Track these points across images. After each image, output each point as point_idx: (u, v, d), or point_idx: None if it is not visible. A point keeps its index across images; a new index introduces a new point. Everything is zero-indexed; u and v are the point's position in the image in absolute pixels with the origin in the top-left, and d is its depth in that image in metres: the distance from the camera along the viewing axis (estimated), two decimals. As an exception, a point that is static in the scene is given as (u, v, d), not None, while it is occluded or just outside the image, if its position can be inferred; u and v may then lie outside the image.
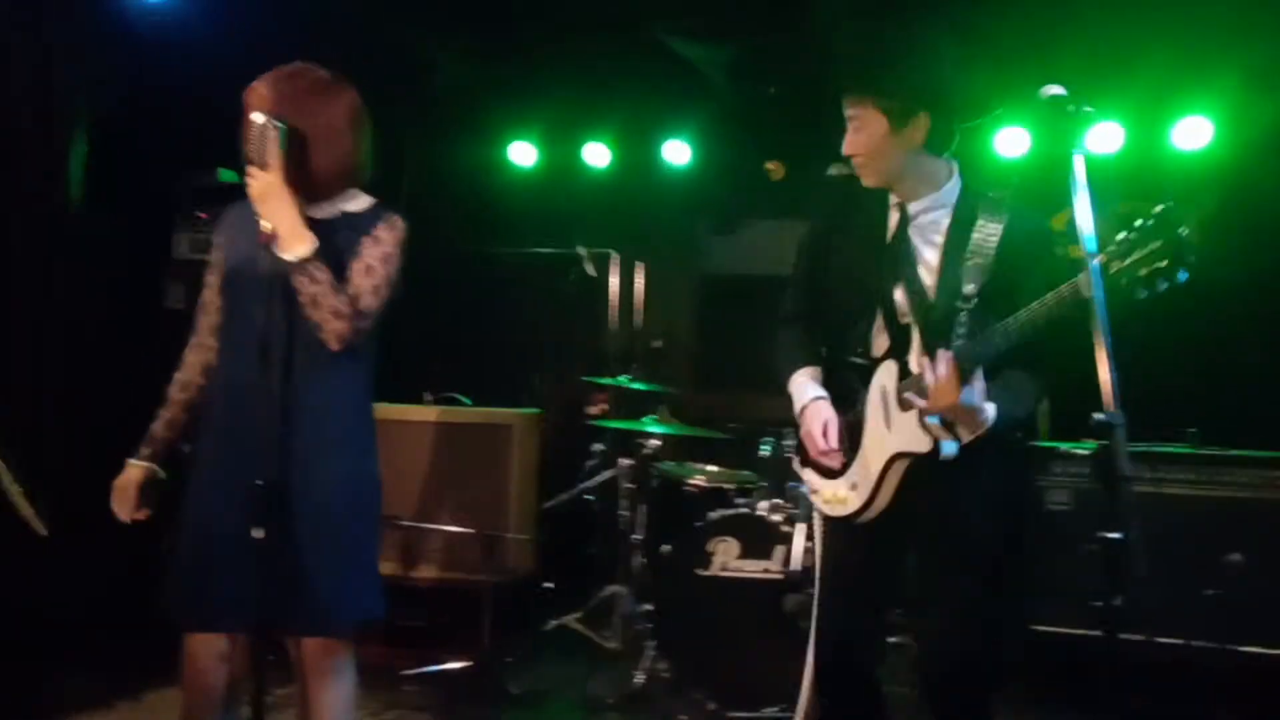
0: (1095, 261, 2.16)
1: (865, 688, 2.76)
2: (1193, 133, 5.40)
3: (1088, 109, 2.30)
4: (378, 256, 2.54)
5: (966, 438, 2.46)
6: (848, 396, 2.71)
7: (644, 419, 4.75)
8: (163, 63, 4.49)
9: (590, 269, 5.64)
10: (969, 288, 2.46)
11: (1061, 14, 5.02)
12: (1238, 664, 3.95)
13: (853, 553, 2.72)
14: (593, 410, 6.20)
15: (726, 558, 4.12)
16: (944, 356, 2.36)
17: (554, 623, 4.83)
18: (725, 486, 4.64)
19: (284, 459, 2.44)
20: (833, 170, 5.58)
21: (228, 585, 2.43)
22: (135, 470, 2.64)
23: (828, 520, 2.82)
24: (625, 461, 4.81)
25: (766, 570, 4.08)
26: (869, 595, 2.72)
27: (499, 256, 6.48)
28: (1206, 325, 4.88)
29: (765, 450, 4.50)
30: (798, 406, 2.75)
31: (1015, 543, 2.68)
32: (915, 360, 2.54)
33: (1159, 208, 2.13)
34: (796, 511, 4.07)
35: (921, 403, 2.41)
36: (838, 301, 2.75)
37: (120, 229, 4.59)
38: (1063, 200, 2.26)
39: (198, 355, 2.70)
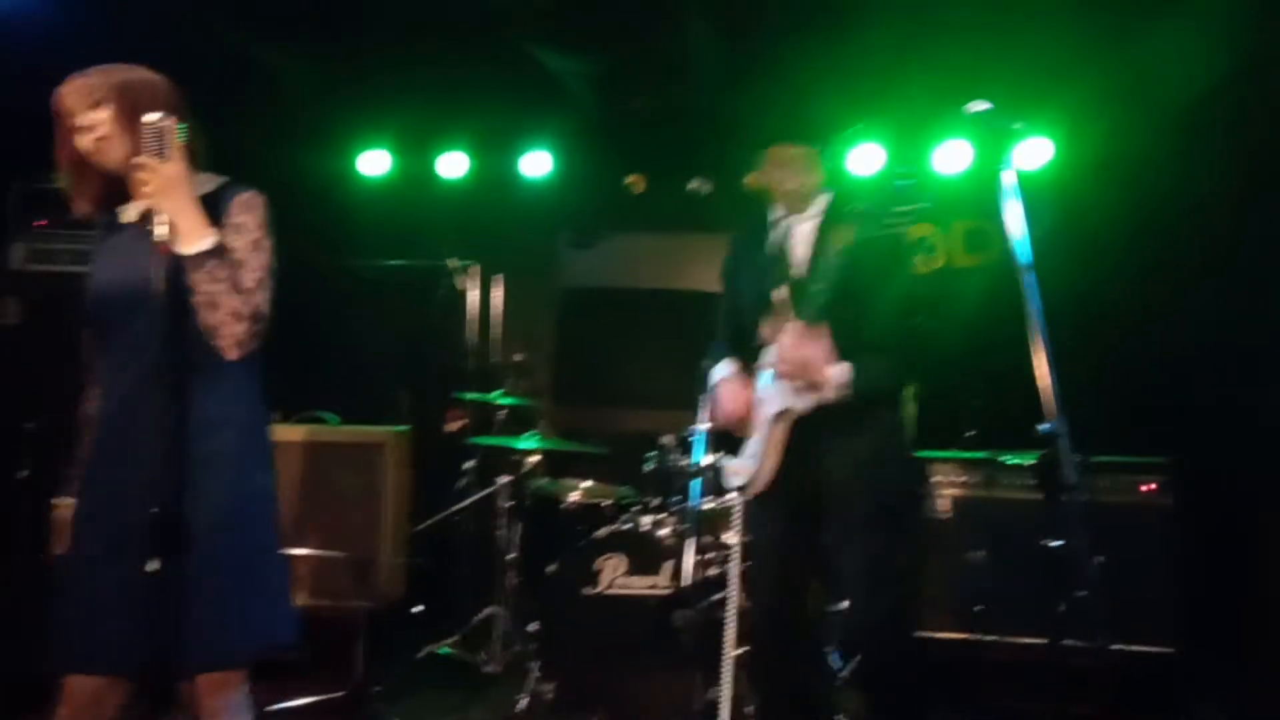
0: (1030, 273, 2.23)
1: (795, 662, 3.13)
2: (1034, 153, 5.65)
3: (1017, 124, 2.36)
4: (247, 246, 2.42)
5: (825, 395, 2.92)
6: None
7: (525, 435, 4.64)
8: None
9: (460, 282, 5.49)
10: (823, 277, 2.96)
11: (912, 34, 5.19)
12: (1103, 662, 4.13)
13: (769, 528, 3.16)
14: (451, 426, 6.04)
15: (614, 575, 4.06)
16: (791, 328, 2.92)
17: (428, 648, 4.65)
18: (602, 503, 4.57)
19: (176, 485, 2.28)
20: (692, 185, 5.68)
21: (117, 624, 2.26)
22: (66, 508, 2.47)
23: (747, 502, 3.27)
24: (503, 479, 4.68)
25: (654, 586, 4.04)
26: (789, 568, 3.10)
27: (352, 269, 6.23)
28: (1048, 340, 5.10)
29: (649, 464, 4.46)
30: (713, 385, 3.31)
31: (895, 521, 2.98)
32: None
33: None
34: (683, 526, 4.04)
35: (780, 364, 2.95)
36: (747, 310, 3.21)
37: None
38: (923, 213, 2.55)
39: (96, 388, 2.51)
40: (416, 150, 6.38)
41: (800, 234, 3.13)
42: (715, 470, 3.82)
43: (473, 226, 6.28)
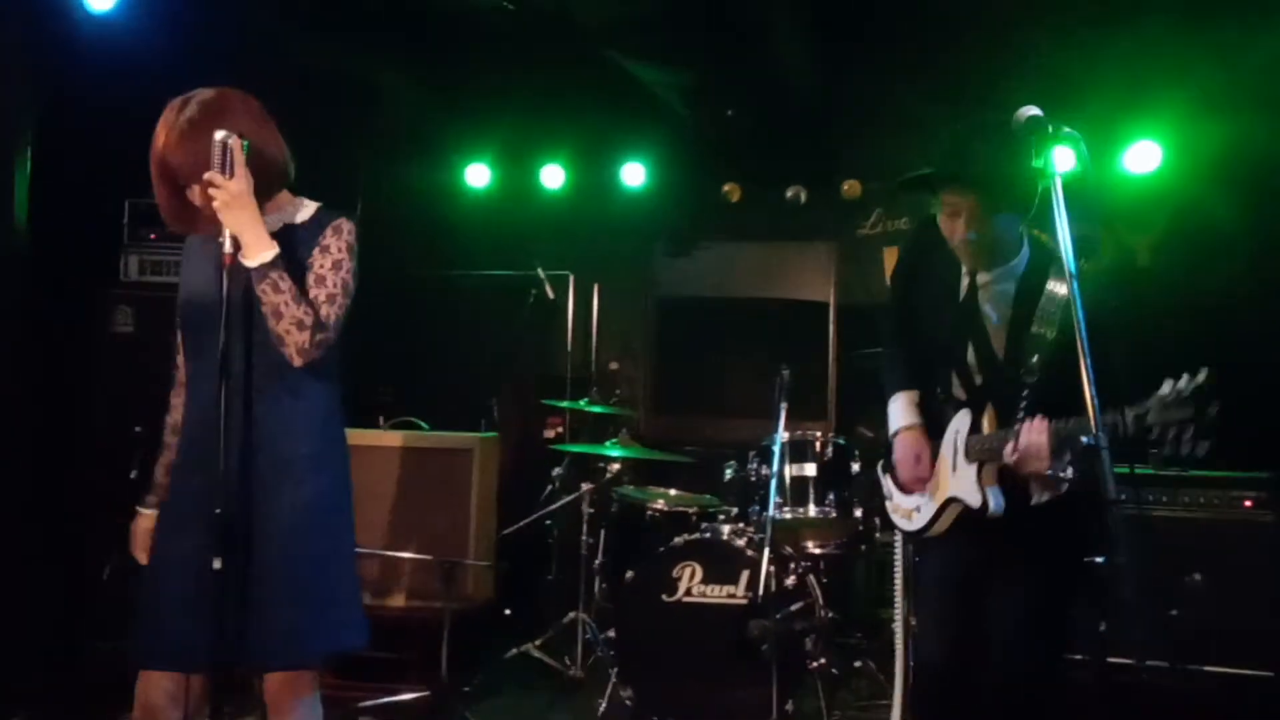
0: (1075, 282, 2.19)
1: (961, 704, 2.82)
2: (1143, 157, 5.48)
3: (1067, 129, 2.31)
4: (328, 265, 2.50)
5: (1038, 498, 2.60)
6: (931, 427, 2.86)
7: (606, 442, 4.69)
8: (110, 80, 4.37)
9: (550, 291, 5.59)
10: (1033, 359, 2.57)
11: (1015, 39, 5.09)
12: (1199, 684, 3.97)
13: (945, 566, 2.84)
14: (549, 434, 6.15)
15: (691, 583, 4.08)
16: (1040, 427, 2.43)
17: (514, 651, 4.73)
18: (687, 511, 4.59)
19: (245, 487, 2.39)
20: (789, 194, 5.57)
21: (185, 622, 2.36)
22: (146, 518, 2.63)
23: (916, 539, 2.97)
24: (586, 486, 4.74)
25: (731, 595, 4.04)
26: (966, 607, 2.78)
27: (454, 279, 6.41)
28: (1159, 346, 4.93)
29: (729, 473, 4.46)
30: (891, 430, 2.91)
31: (1069, 591, 2.71)
32: (987, 421, 2.70)
33: (1201, 377, 2.23)
34: (761, 535, 4.03)
35: (1009, 459, 2.49)
36: (926, 344, 2.90)
37: (67, 251, 4.45)
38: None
39: (180, 397, 2.65)
40: (518, 163, 6.54)
41: (993, 298, 2.71)
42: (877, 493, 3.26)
43: (570, 237, 6.41)
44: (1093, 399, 2.05)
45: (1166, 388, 2.28)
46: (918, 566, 3.07)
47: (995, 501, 2.62)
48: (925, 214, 2.96)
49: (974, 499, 2.64)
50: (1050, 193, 2.29)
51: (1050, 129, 2.32)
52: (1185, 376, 2.25)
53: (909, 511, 2.88)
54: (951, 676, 2.82)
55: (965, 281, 2.76)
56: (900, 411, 2.91)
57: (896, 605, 3.49)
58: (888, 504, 2.99)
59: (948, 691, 2.84)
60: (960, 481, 2.70)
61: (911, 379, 2.93)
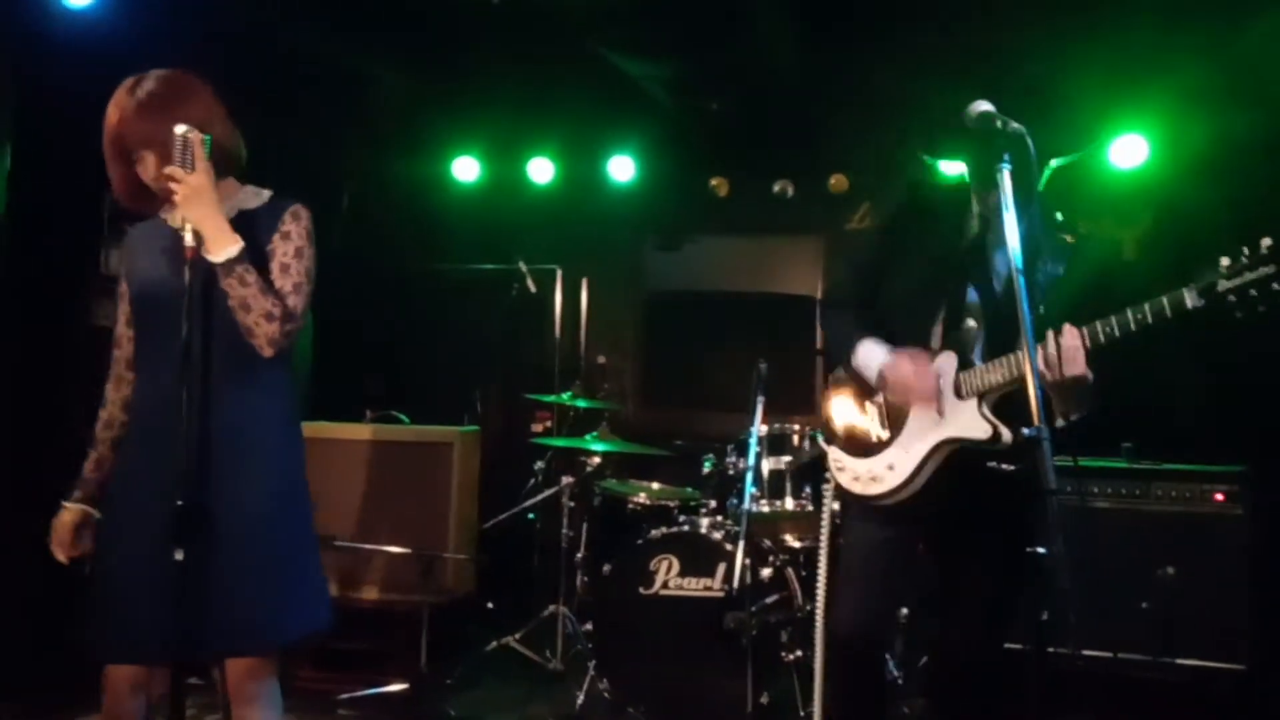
0: (1022, 278, 2.19)
1: (876, 677, 2.86)
2: (1129, 151, 5.47)
3: (1015, 125, 2.31)
4: (291, 253, 2.51)
5: (1068, 416, 2.56)
6: None
7: (586, 436, 4.71)
8: (90, 72, 4.37)
9: (531, 285, 5.59)
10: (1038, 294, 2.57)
11: (1001, 33, 5.08)
12: (1172, 677, 3.98)
13: (882, 538, 2.79)
14: (536, 428, 6.16)
15: (668, 576, 4.09)
16: (1071, 331, 2.45)
17: (494, 643, 4.75)
18: (668, 504, 4.61)
19: (204, 478, 2.39)
20: (777, 187, 5.56)
21: (145, 613, 2.37)
22: (68, 513, 2.61)
23: (854, 505, 2.88)
24: (567, 479, 4.76)
25: (708, 588, 4.06)
26: (893, 582, 2.82)
27: (441, 273, 6.43)
28: (1139, 340, 4.93)
29: (706, 466, 4.47)
30: (877, 365, 2.76)
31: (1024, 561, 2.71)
32: (979, 355, 2.70)
33: (1269, 240, 2.24)
34: (737, 528, 4.04)
35: (1043, 367, 2.42)
36: (905, 294, 2.85)
37: (47, 243, 4.47)
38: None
39: (118, 391, 2.66)
40: (506, 156, 6.55)
41: (1001, 239, 2.63)
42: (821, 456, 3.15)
43: (558, 231, 6.41)
44: (1035, 391, 2.06)
45: (1226, 259, 2.30)
46: (850, 534, 2.90)
47: (1004, 430, 2.56)
48: (915, 179, 2.99)
49: (981, 431, 2.58)
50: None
51: (1000, 124, 2.33)
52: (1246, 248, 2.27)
53: (874, 476, 2.76)
54: (868, 646, 2.83)
55: (976, 224, 2.77)
56: (873, 351, 2.78)
57: (819, 584, 3.39)
58: (839, 475, 2.86)
59: (864, 663, 2.84)
60: (958, 419, 2.63)
61: (872, 330, 2.84)
